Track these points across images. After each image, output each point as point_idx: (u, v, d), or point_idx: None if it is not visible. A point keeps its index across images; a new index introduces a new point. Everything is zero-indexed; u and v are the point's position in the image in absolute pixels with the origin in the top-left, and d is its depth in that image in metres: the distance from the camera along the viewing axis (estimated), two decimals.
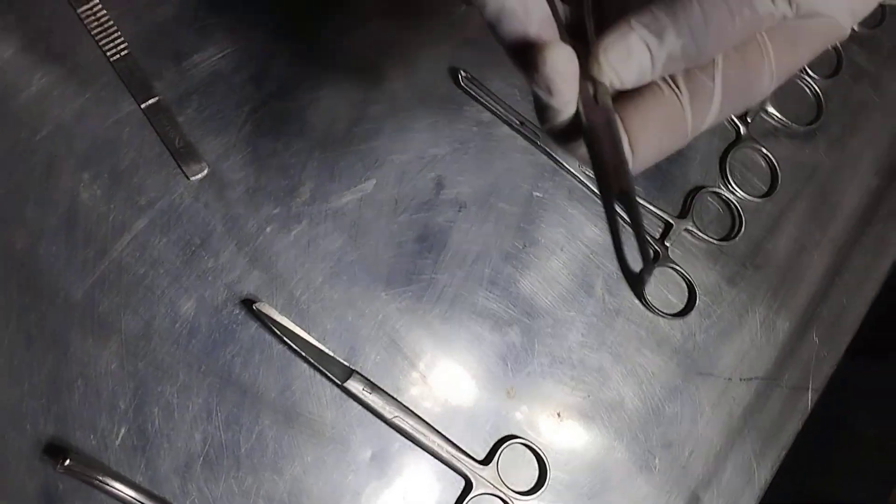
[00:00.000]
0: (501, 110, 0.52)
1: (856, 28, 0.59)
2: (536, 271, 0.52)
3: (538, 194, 0.53)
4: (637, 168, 0.32)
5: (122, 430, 0.44)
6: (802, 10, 0.30)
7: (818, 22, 0.32)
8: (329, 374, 0.47)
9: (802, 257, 0.58)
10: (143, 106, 0.47)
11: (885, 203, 0.60)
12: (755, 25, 0.30)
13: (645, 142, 0.32)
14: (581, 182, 0.53)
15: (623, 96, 0.31)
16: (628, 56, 0.29)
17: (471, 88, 0.52)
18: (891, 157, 0.61)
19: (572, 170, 0.53)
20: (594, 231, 0.53)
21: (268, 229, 0.48)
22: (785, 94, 0.57)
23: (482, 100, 0.52)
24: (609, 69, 0.30)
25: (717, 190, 0.56)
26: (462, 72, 0.52)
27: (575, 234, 0.53)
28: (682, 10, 0.30)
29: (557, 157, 0.53)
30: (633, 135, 0.32)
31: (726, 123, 0.57)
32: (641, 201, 0.53)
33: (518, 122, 0.52)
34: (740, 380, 0.55)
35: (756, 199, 0.56)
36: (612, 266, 0.53)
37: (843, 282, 0.58)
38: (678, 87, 0.31)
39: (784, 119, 0.58)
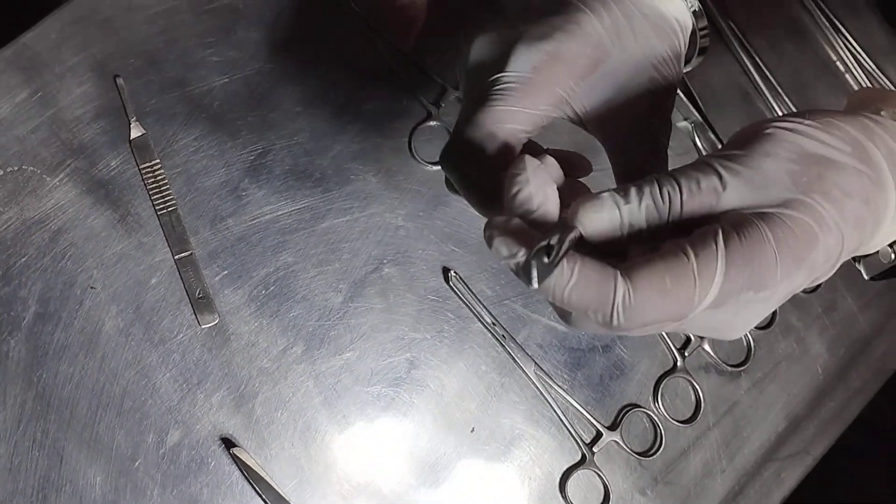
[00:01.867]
0: (478, 310, 0.60)
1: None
2: (483, 459, 0.59)
3: (495, 388, 0.60)
4: (634, 322, 0.34)
5: None
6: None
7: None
8: None
9: (708, 480, 0.66)
10: (176, 257, 0.54)
11: (788, 445, 0.69)
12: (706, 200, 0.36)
13: (647, 288, 0.34)
14: (532, 382, 0.61)
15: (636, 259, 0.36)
16: (601, 208, 0.37)
17: (457, 287, 0.60)
18: (800, 406, 0.70)
19: (528, 373, 0.61)
20: (547, 423, 0.61)
21: (257, 380, 0.55)
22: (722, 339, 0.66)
23: (464, 299, 0.60)
24: (583, 214, 0.37)
25: (647, 410, 0.64)
26: (453, 272, 0.60)
27: (533, 419, 0.61)
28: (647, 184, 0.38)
29: (516, 359, 0.61)
30: (634, 280, 0.35)
31: (666, 352, 0.65)
32: (580, 408, 0.61)
33: (490, 323, 0.60)
34: None
35: (679, 423, 0.65)
36: (549, 469, 0.60)
37: None
38: (687, 252, 0.35)
39: (716, 357, 0.66)
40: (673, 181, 0.37)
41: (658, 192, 0.37)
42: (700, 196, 0.37)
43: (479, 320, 0.60)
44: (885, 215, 0.38)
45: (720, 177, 0.36)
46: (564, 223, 0.37)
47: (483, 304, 0.60)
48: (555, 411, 0.61)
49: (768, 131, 0.37)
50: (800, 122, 0.37)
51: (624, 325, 0.35)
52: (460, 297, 0.60)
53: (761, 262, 0.35)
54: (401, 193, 0.60)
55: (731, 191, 0.36)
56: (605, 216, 0.37)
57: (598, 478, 0.62)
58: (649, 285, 0.35)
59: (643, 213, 0.37)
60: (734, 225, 0.36)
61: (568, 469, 0.61)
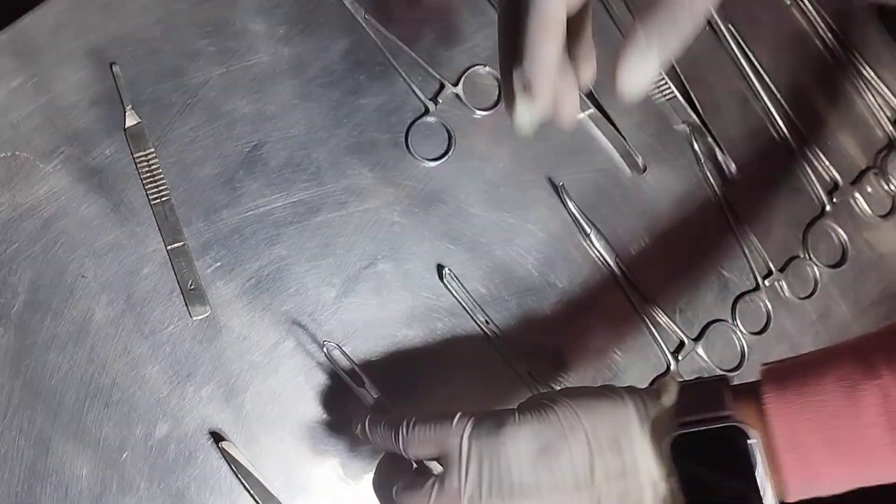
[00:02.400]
0: (472, 308, 0.60)
1: (788, 295, 0.68)
2: None
3: (487, 388, 0.60)
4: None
5: None
6: None
7: None
8: None
9: None
10: (168, 248, 0.53)
11: None
12: None
13: None
14: (524, 383, 0.61)
15: None
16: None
17: (451, 285, 0.59)
18: None
19: (519, 373, 0.60)
20: None
21: (248, 374, 0.54)
22: (716, 342, 0.66)
23: (458, 296, 0.59)
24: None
25: None
26: (448, 269, 0.59)
27: None
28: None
29: (508, 359, 0.60)
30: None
31: (659, 355, 0.65)
32: None
33: (483, 321, 0.60)
34: None
35: None
36: None
37: None
38: None
39: (710, 362, 0.66)
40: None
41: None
42: None
43: (473, 318, 0.60)
44: None
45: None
46: None
47: (476, 302, 0.60)
48: None
49: None
50: None
51: None
52: (454, 295, 0.59)
53: None
54: (396, 189, 0.59)
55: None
56: None
57: None
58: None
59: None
60: None
61: None
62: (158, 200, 0.54)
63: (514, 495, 0.45)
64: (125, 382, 0.52)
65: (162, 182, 0.54)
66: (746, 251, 0.68)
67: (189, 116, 0.55)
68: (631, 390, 0.48)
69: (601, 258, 0.63)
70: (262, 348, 0.55)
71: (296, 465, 0.55)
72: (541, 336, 0.62)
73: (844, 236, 0.71)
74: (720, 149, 0.67)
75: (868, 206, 0.72)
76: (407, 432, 0.48)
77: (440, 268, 0.60)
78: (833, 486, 0.45)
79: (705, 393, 0.46)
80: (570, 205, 0.62)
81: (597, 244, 0.63)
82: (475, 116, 0.62)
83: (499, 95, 0.63)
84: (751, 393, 0.46)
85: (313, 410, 0.56)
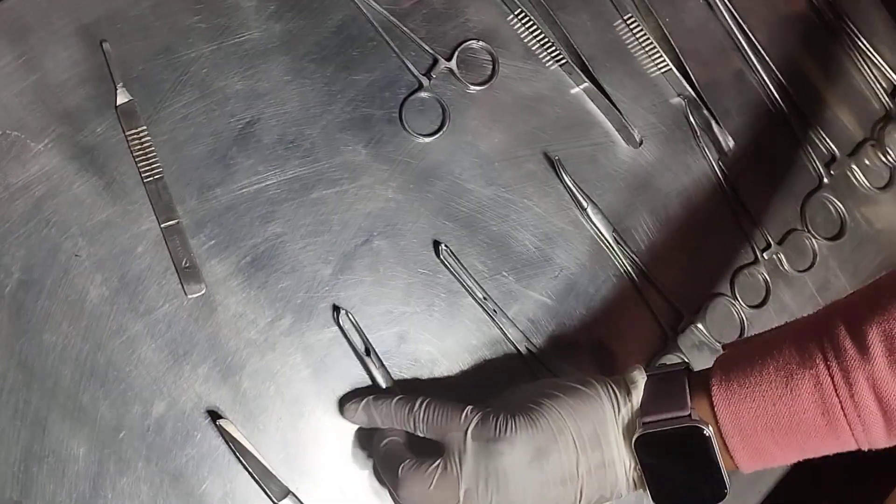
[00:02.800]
0: (469, 284, 0.59)
1: (787, 268, 0.68)
2: None
3: (486, 363, 0.60)
4: None
5: None
6: None
7: None
8: (267, 491, 0.53)
9: None
10: (162, 226, 0.53)
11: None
12: None
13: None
14: (521, 356, 0.60)
15: None
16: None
17: (447, 261, 0.59)
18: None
19: (518, 348, 0.60)
20: None
21: (244, 352, 0.54)
22: (715, 316, 0.66)
23: (455, 272, 0.59)
24: None
25: None
26: (444, 245, 0.59)
27: None
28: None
29: (507, 334, 0.60)
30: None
31: (657, 330, 0.65)
32: None
33: (482, 297, 0.60)
34: None
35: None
36: None
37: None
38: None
39: (709, 335, 0.65)
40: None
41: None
42: None
43: (471, 294, 0.59)
44: None
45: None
46: None
47: (474, 278, 0.59)
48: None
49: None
50: None
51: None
52: (451, 271, 0.59)
53: None
54: (391, 165, 0.59)
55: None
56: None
57: None
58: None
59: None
60: None
61: None
62: (151, 178, 0.53)
63: (508, 491, 0.50)
64: (121, 361, 0.52)
65: (154, 160, 0.53)
66: (744, 224, 0.68)
67: (181, 94, 0.55)
68: (605, 385, 0.53)
69: (598, 232, 0.63)
70: (259, 326, 0.55)
71: (294, 443, 0.54)
72: (539, 311, 0.61)
73: (842, 209, 0.71)
74: (716, 122, 0.67)
75: (866, 178, 0.72)
76: (420, 412, 0.53)
77: (436, 244, 0.59)
78: (779, 460, 0.51)
79: (667, 391, 0.52)
80: (567, 179, 0.62)
81: (594, 218, 0.63)
82: (469, 91, 0.62)
83: (493, 70, 0.62)
84: (704, 384, 0.51)
85: (311, 388, 0.55)
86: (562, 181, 0.62)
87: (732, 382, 0.50)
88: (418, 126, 0.60)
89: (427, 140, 0.60)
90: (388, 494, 0.56)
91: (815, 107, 0.72)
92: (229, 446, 0.52)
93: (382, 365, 0.56)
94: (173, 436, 0.52)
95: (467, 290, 0.59)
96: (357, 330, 0.56)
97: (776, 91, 0.70)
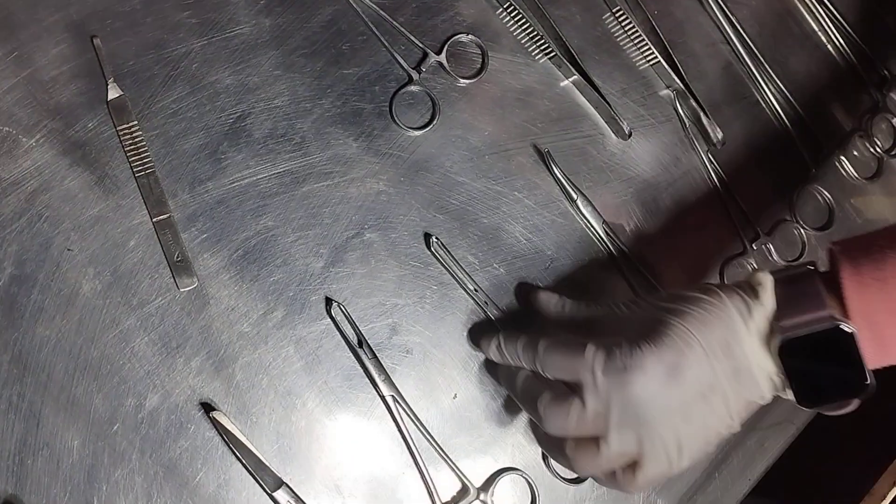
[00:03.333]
0: (460, 276, 0.60)
1: (776, 259, 0.68)
2: (466, 425, 0.59)
3: (478, 355, 0.60)
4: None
5: (71, 501, 0.50)
6: None
7: None
8: (262, 482, 0.54)
9: None
10: (154, 220, 0.53)
11: (771, 414, 0.69)
12: None
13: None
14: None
15: None
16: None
17: (438, 253, 0.59)
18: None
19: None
20: None
21: (237, 345, 0.55)
22: None
23: (446, 264, 0.60)
24: None
25: None
26: (434, 238, 0.59)
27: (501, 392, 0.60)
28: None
29: (499, 326, 0.60)
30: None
31: None
32: None
33: (473, 289, 0.60)
34: None
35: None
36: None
37: (722, 477, 0.66)
38: None
39: None
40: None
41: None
42: None
43: (462, 286, 0.60)
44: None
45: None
46: None
47: (465, 271, 0.60)
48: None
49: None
50: None
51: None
52: (442, 263, 0.59)
53: None
54: (382, 159, 0.59)
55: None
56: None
57: None
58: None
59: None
60: None
61: None
62: (143, 173, 0.54)
63: (652, 418, 0.50)
64: (114, 355, 0.52)
65: (146, 154, 0.54)
66: (733, 215, 0.68)
67: (171, 89, 0.55)
68: (730, 291, 0.52)
69: (588, 224, 0.64)
70: (251, 319, 0.55)
71: (287, 434, 0.55)
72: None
73: (831, 199, 0.71)
74: (705, 114, 0.67)
75: (854, 168, 0.72)
76: (543, 354, 0.53)
77: (427, 236, 0.60)
78: None
79: (801, 291, 0.51)
80: (557, 171, 0.63)
81: (584, 210, 0.63)
82: (459, 84, 0.62)
83: (482, 63, 0.63)
84: (833, 281, 0.51)
85: (303, 380, 0.56)
86: (552, 173, 0.63)
87: (865, 275, 0.50)
88: (408, 119, 0.60)
89: (417, 133, 0.60)
90: (380, 487, 0.56)
91: (803, 98, 0.72)
92: (223, 438, 0.53)
93: (375, 356, 0.57)
94: (167, 428, 0.53)
95: (458, 282, 0.60)
96: (349, 322, 0.57)
97: (764, 82, 0.71)
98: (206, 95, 0.56)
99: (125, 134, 0.53)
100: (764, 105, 0.71)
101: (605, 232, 0.64)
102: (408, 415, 0.57)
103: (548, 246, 0.63)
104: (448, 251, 0.60)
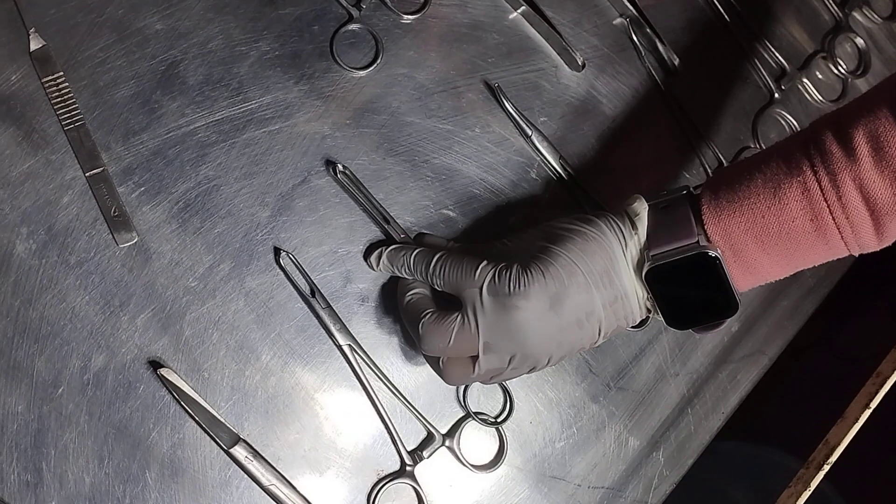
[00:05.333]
0: (373, 208, 0.58)
1: None
2: (421, 369, 0.58)
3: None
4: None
5: (19, 467, 0.48)
6: None
7: None
8: (217, 439, 0.52)
9: (661, 385, 0.65)
10: (87, 174, 0.51)
11: (742, 347, 0.68)
12: None
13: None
14: None
15: None
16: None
17: (345, 182, 0.57)
18: (753, 307, 0.69)
19: None
20: None
21: (184, 300, 0.53)
22: None
23: (352, 192, 0.58)
24: None
25: None
26: (341, 165, 0.57)
27: None
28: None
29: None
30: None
31: None
32: None
33: (382, 220, 0.58)
34: (588, 487, 0.61)
35: (630, 328, 0.63)
36: None
37: (694, 411, 0.66)
38: None
39: None
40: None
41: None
42: None
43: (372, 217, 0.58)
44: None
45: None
46: None
47: (379, 204, 0.58)
48: None
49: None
50: None
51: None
52: (347, 190, 0.57)
53: None
54: (325, 101, 0.57)
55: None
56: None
57: (549, 384, 0.61)
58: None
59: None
60: None
61: None
62: (72, 126, 0.51)
63: (527, 341, 0.51)
64: (54, 316, 0.50)
65: (74, 106, 0.51)
66: (695, 144, 0.67)
67: (98, 37, 0.53)
68: (609, 221, 0.53)
69: (545, 160, 0.62)
70: (197, 273, 0.53)
71: (241, 389, 0.53)
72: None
73: (795, 123, 0.70)
74: (661, 41, 0.65)
75: (818, 91, 0.71)
76: (437, 267, 0.53)
77: (329, 163, 0.57)
78: (772, 275, 0.52)
79: (672, 220, 0.52)
80: (508, 106, 0.60)
81: (539, 146, 0.61)
82: (403, 21, 0.60)
83: None
84: (697, 208, 0.51)
85: (256, 333, 0.54)
86: (503, 108, 0.61)
87: (721, 199, 0.50)
88: (351, 59, 0.58)
89: (361, 73, 0.58)
90: (342, 437, 0.55)
91: (762, 20, 0.70)
92: (173, 396, 0.51)
93: (329, 305, 0.55)
94: (115, 388, 0.51)
95: (368, 213, 0.58)
96: (300, 271, 0.55)
97: (722, 6, 0.69)
98: (135, 42, 0.53)
99: (51, 86, 0.51)
100: (722, 30, 0.69)
101: (562, 167, 0.62)
102: (367, 364, 0.56)
103: (504, 185, 0.61)
104: (400, 194, 0.58)
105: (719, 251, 0.50)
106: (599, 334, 0.52)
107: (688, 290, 0.51)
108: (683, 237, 0.50)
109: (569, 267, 0.50)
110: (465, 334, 0.51)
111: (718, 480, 0.88)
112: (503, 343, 0.51)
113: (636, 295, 0.52)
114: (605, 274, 0.51)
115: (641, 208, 0.52)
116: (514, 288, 0.50)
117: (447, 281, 0.53)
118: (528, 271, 0.50)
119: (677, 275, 0.50)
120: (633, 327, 0.60)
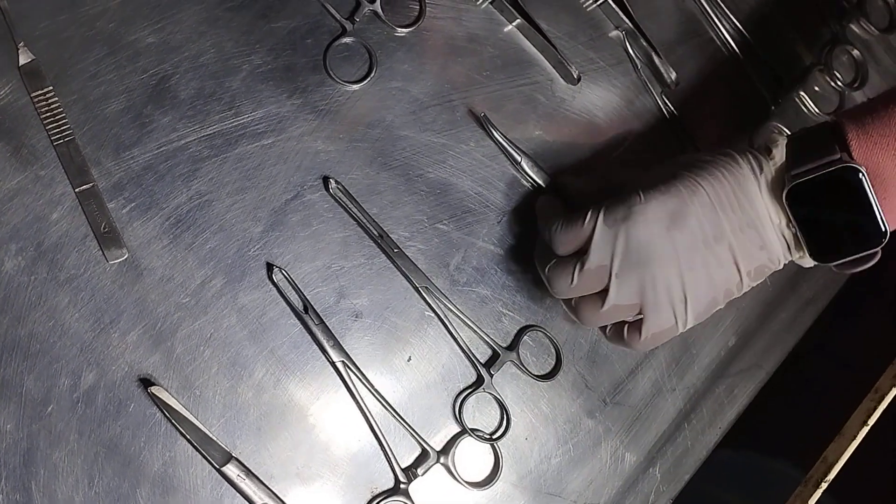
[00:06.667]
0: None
1: None
2: (416, 385, 0.57)
3: (429, 314, 0.58)
4: None
5: (8, 486, 0.48)
6: None
7: None
8: (209, 457, 0.52)
9: (658, 399, 0.64)
10: (77, 190, 0.51)
11: (739, 360, 0.67)
12: None
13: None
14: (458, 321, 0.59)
15: None
16: None
17: (338, 196, 0.57)
18: (750, 320, 0.68)
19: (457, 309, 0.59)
20: (485, 347, 0.59)
21: (175, 316, 0.52)
22: None
23: (349, 210, 0.57)
24: None
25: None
26: (333, 181, 0.57)
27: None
28: None
29: (442, 291, 0.58)
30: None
31: None
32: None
33: (377, 235, 0.58)
34: None
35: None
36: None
37: (691, 426, 0.65)
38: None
39: None
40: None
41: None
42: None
43: (367, 233, 0.57)
44: None
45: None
46: None
47: (373, 219, 0.57)
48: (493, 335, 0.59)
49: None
50: None
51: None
52: (345, 208, 0.56)
53: None
54: (318, 115, 0.57)
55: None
56: None
57: (544, 399, 0.60)
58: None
59: None
60: None
61: None
62: (62, 141, 0.51)
63: (654, 262, 0.50)
64: (43, 333, 0.50)
65: (64, 121, 0.51)
66: None
67: (88, 50, 0.52)
68: (743, 151, 0.52)
69: (534, 182, 0.61)
70: (189, 289, 0.53)
71: (234, 406, 0.53)
72: (483, 259, 0.60)
73: None
74: (657, 54, 0.65)
75: (814, 104, 0.70)
76: (553, 235, 0.54)
77: (326, 179, 0.56)
78: None
79: (813, 143, 0.50)
80: (497, 135, 0.60)
81: (529, 172, 0.60)
82: (397, 34, 0.59)
83: (420, 10, 0.60)
84: (839, 135, 0.49)
85: (249, 350, 0.53)
86: (491, 137, 0.60)
87: (867, 127, 0.49)
88: (344, 73, 0.58)
89: (355, 87, 0.58)
90: (336, 455, 0.54)
91: (759, 33, 0.70)
92: (164, 414, 0.51)
93: (322, 322, 0.55)
94: (105, 406, 0.50)
95: (364, 229, 0.58)
96: (293, 287, 0.54)
97: (717, 17, 0.68)
98: (127, 56, 0.53)
99: (40, 100, 0.51)
100: (719, 42, 0.69)
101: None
102: (360, 380, 0.55)
103: (498, 199, 0.61)
104: (395, 209, 0.57)
105: (864, 169, 0.48)
106: (738, 267, 0.51)
107: (830, 212, 0.49)
108: (824, 155, 0.49)
109: (691, 186, 0.50)
110: (587, 271, 0.51)
111: (715, 490, 0.87)
112: (627, 267, 0.50)
113: (771, 222, 0.51)
114: (732, 198, 0.50)
115: (779, 137, 0.52)
116: (630, 209, 0.50)
117: (565, 241, 0.53)
118: (645, 192, 0.50)
119: (819, 194, 0.49)
120: None
